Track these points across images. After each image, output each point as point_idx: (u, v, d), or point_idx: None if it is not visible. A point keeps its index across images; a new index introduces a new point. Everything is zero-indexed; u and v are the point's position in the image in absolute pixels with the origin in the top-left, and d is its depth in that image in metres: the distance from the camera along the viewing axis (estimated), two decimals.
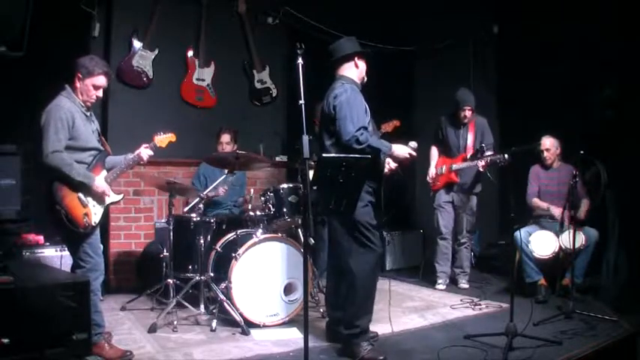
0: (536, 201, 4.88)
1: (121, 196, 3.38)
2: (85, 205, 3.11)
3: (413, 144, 3.48)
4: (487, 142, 4.87)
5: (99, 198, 3.19)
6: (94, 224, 3.14)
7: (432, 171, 5.12)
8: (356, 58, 3.47)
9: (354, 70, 3.48)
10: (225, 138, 5.00)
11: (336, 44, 3.53)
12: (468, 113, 4.97)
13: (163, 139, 3.60)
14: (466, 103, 4.95)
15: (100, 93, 3.23)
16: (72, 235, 3.11)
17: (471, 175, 5.00)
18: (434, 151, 5.21)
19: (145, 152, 3.40)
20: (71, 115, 3.07)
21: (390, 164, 3.48)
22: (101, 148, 3.28)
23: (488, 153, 4.68)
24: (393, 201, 3.77)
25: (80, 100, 3.17)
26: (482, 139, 4.93)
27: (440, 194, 5.12)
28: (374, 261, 3.39)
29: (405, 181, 3.59)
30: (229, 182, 4.65)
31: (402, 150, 3.42)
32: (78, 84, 3.14)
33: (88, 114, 3.23)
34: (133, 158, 3.38)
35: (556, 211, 4.62)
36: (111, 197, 3.27)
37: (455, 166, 5.00)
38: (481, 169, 4.79)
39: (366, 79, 3.55)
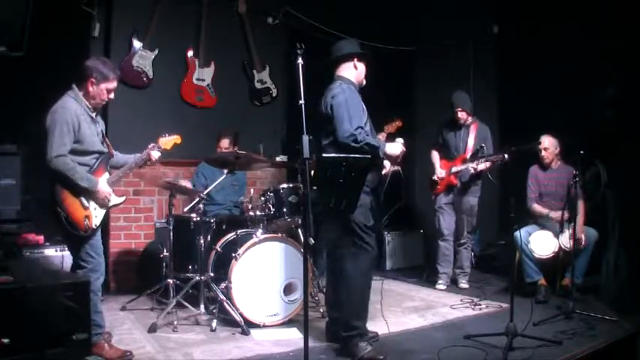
0: (536, 207, 4.84)
1: (123, 198, 3.38)
2: (85, 208, 3.10)
3: (399, 140, 3.48)
4: (487, 150, 4.87)
5: (101, 201, 3.18)
6: (94, 227, 3.13)
7: (439, 171, 5.10)
8: (355, 60, 3.48)
9: (353, 71, 3.48)
10: (224, 143, 4.99)
11: (336, 44, 3.55)
12: (461, 115, 4.98)
13: (168, 141, 3.59)
14: (457, 105, 4.97)
15: (112, 95, 3.23)
16: (73, 236, 3.10)
17: (468, 177, 5.00)
18: (435, 155, 5.21)
19: (155, 153, 3.42)
20: (77, 118, 3.05)
21: (387, 166, 3.49)
22: (105, 150, 3.26)
23: (485, 160, 4.70)
24: (396, 196, 3.77)
25: (87, 102, 3.15)
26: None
27: (440, 196, 5.13)
28: (369, 262, 3.38)
29: (403, 178, 3.57)
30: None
31: (396, 148, 3.42)
32: (91, 88, 3.12)
33: (94, 115, 3.21)
34: (140, 159, 3.38)
35: (555, 215, 4.61)
36: (113, 200, 3.27)
37: (454, 169, 5.01)
38: (473, 172, 4.81)
39: (364, 82, 3.54)
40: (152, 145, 3.46)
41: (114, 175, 3.29)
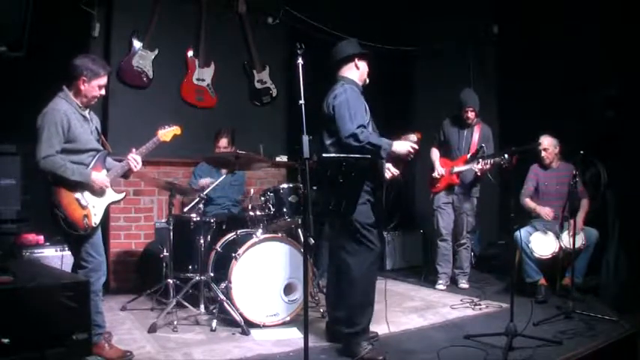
0: (527, 201, 4.87)
1: (122, 195, 3.36)
2: (84, 207, 3.10)
3: (413, 137, 3.47)
4: (487, 151, 4.87)
5: (98, 193, 3.18)
6: (94, 225, 3.13)
7: (439, 169, 5.10)
8: (356, 60, 3.49)
9: (355, 72, 3.50)
10: (223, 142, 4.99)
11: (336, 47, 3.55)
12: (470, 115, 4.97)
13: (167, 132, 3.55)
14: (468, 104, 4.94)
15: (104, 91, 3.23)
16: (73, 236, 3.10)
17: (472, 177, 5.00)
18: (435, 153, 5.21)
19: (132, 159, 3.31)
20: (67, 119, 3.05)
21: (390, 169, 3.49)
22: (100, 148, 3.26)
23: (488, 161, 4.71)
24: (397, 204, 3.78)
25: (78, 102, 3.15)
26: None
27: (439, 196, 5.12)
28: (372, 260, 3.38)
29: (402, 184, 3.57)
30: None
31: (403, 146, 3.41)
32: (83, 86, 3.12)
33: (86, 113, 3.21)
34: (123, 166, 3.32)
35: (543, 211, 4.61)
36: (112, 196, 3.26)
37: (456, 169, 5.00)
38: (479, 173, 4.82)
39: (367, 80, 3.55)
40: (134, 150, 3.36)
41: (110, 172, 3.28)
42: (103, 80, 3.18)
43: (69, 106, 3.11)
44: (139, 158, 3.34)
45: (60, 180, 3.02)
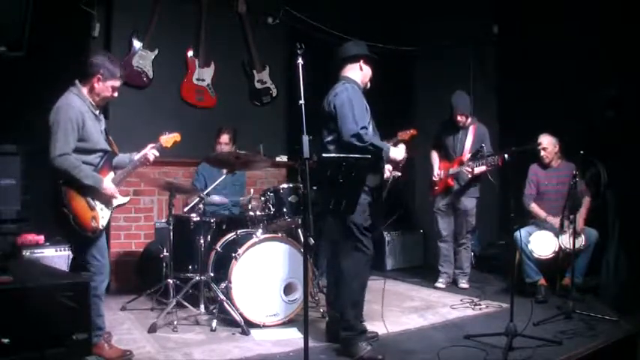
0: (534, 207, 4.84)
1: (128, 198, 3.38)
2: (92, 209, 3.08)
3: (401, 146, 3.48)
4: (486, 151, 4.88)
5: (106, 200, 3.16)
6: (101, 227, 3.11)
7: (437, 172, 5.13)
8: (362, 61, 3.48)
9: (358, 73, 3.49)
10: (225, 139, 5.00)
11: (343, 46, 3.55)
12: (461, 119, 4.97)
13: (169, 139, 3.58)
14: (457, 109, 4.95)
15: (116, 94, 3.22)
16: (80, 237, 3.06)
17: (467, 178, 4.99)
18: (434, 155, 5.23)
19: (151, 153, 3.37)
20: (82, 116, 3.01)
21: (390, 170, 3.50)
22: (109, 149, 3.24)
23: (482, 162, 4.73)
24: (397, 203, 3.78)
25: (91, 99, 3.12)
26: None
27: (438, 198, 5.15)
28: (364, 263, 3.38)
29: (402, 184, 3.58)
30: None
31: (400, 153, 3.41)
32: (97, 84, 3.09)
33: (97, 113, 3.18)
34: (140, 159, 3.34)
35: (553, 220, 4.60)
36: (118, 199, 3.25)
37: (452, 171, 5.02)
38: (469, 175, 4.84)
39: (369, 85, 3.55)
40: (152, 145, 3.43)
41: (118, 174, 3.27)
42: (118, 82, 3.17)
43: (82, 103, 3.07)
44: (156, 153, 3.39)
45: (72, 180, 2.98)
